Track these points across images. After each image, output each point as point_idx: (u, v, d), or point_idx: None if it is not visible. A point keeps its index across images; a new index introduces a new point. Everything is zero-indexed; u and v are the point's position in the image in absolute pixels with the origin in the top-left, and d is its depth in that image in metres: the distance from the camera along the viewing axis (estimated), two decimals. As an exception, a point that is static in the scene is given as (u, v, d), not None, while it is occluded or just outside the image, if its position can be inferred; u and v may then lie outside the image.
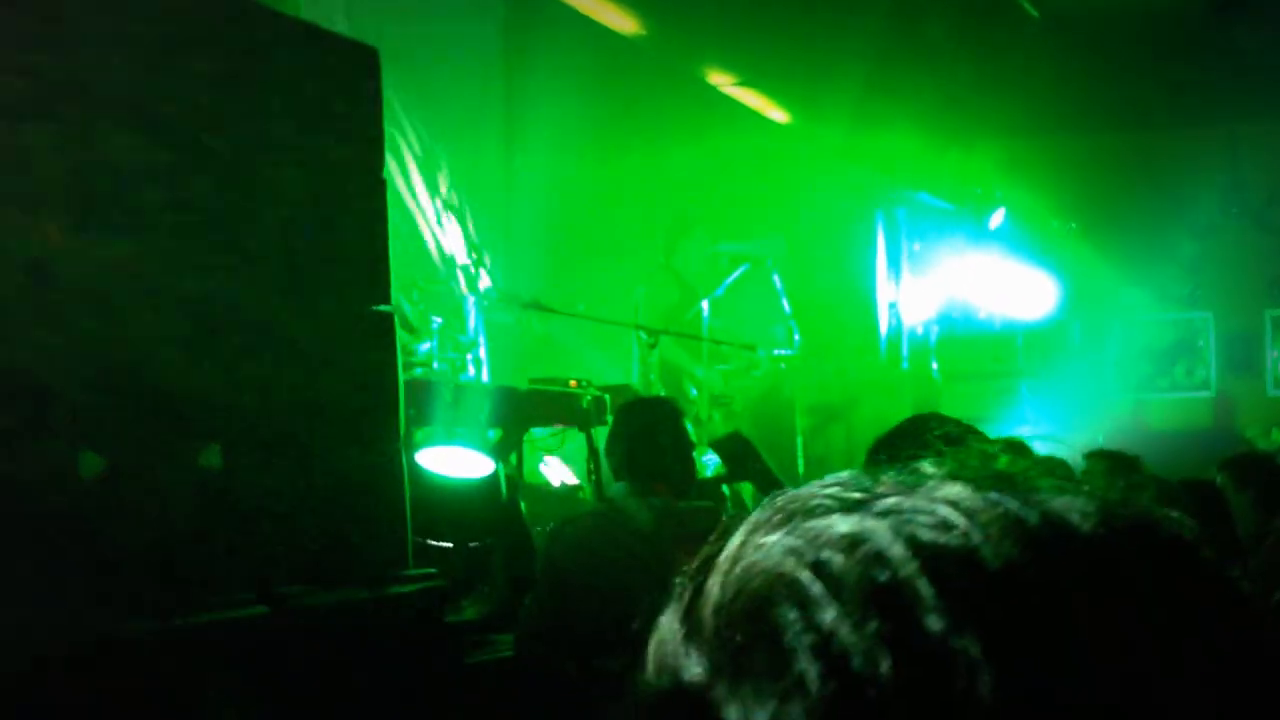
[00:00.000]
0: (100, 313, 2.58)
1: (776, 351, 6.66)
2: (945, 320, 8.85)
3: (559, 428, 5.58)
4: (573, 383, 5.18)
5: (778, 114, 8.10)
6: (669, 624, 0.51)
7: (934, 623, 0.44)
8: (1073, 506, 0.48)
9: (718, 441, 4.94)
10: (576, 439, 5.52)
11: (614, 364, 6.52)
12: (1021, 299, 9.41)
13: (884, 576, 0.45)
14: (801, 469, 6.63)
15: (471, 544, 4.11)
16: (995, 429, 5.82)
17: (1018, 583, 0.45)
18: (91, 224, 2.52)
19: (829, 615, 0.45)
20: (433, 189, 6.42)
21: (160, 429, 2.71)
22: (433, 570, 3.82)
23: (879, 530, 0.47)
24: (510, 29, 7.02)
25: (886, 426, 7.66)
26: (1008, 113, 8.26)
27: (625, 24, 7.02)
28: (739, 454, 4.84)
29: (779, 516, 0.50)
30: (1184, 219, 10.30)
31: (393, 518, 3.62)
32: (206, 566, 2.90)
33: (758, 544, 0.49)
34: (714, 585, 0.49)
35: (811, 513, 0.50)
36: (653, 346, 5.50)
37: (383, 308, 3.16)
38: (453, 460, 4.31)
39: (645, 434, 3.66)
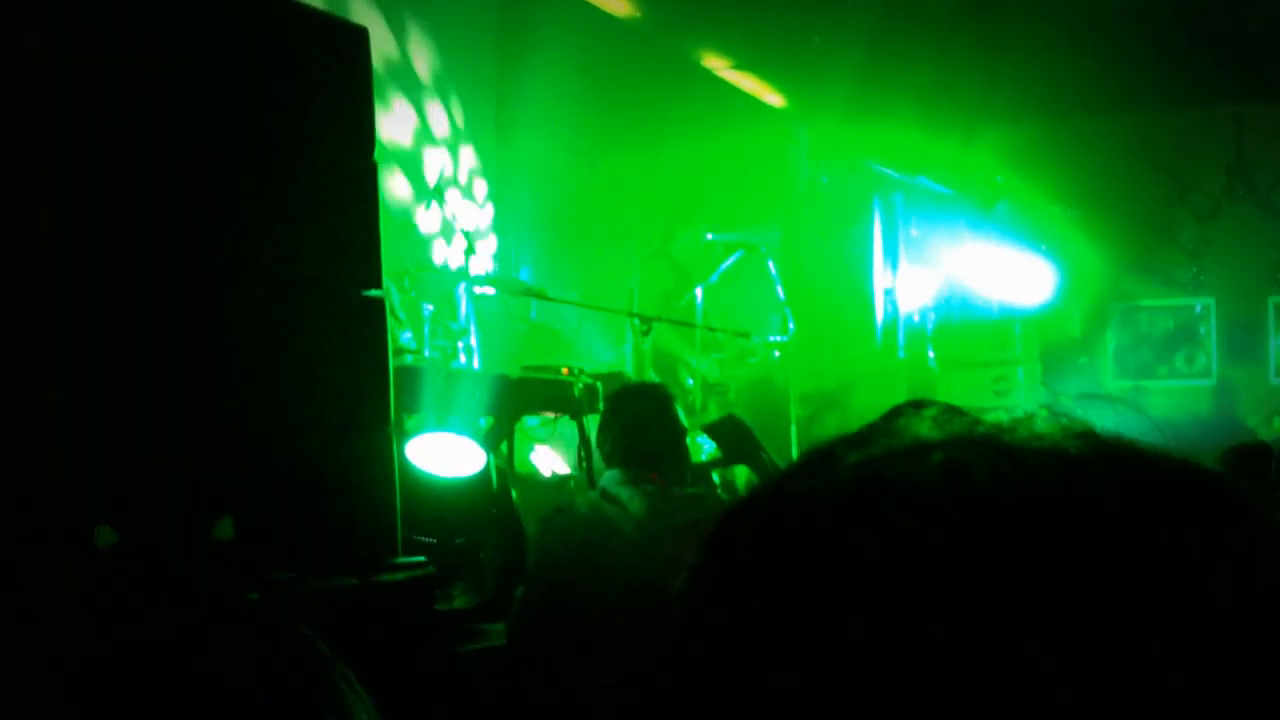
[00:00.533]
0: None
1: (771, 339, 6.68)
2: (942, 307, 8.86)
3: (550, 416, 5.60)
4: (565, 370, 5.20)
5: (774, 98, 8.11)
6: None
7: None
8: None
9: (711, 425, 4.94)
10: (568, 427, 5.55)
11: (607, 352, 6.55)
12: (1020, 286, 9.41)
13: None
14: (795, 457, 6.65)
15: (458, 540, 4.13)
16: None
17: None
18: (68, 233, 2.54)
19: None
20: (424, 174, 6.44)
21: (150, 420, 2.73)
22: (422, 559, 3.85)
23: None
24: (504, 10, 7.03)
25: (881, 413, 7.74)
26: (1008, 96, 8.26)
27: (619, 6, 7.02)
28: (733, 437, 4.85)
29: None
30: (1187, 203, 10.31)
31: (383, 505, 3.64)
32: (200, 554, 2.92)
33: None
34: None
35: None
36: (646, 334, 5.52)
37: (373, 293, 3.17)
38: (444, 449, 4.33)
39: (635, 420, 3.66)
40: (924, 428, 0.56)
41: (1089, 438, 0.52)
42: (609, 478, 3.68)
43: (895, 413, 0.66)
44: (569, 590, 3.58)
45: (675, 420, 3.79)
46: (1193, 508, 0.51)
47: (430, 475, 4.18)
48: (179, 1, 2.94)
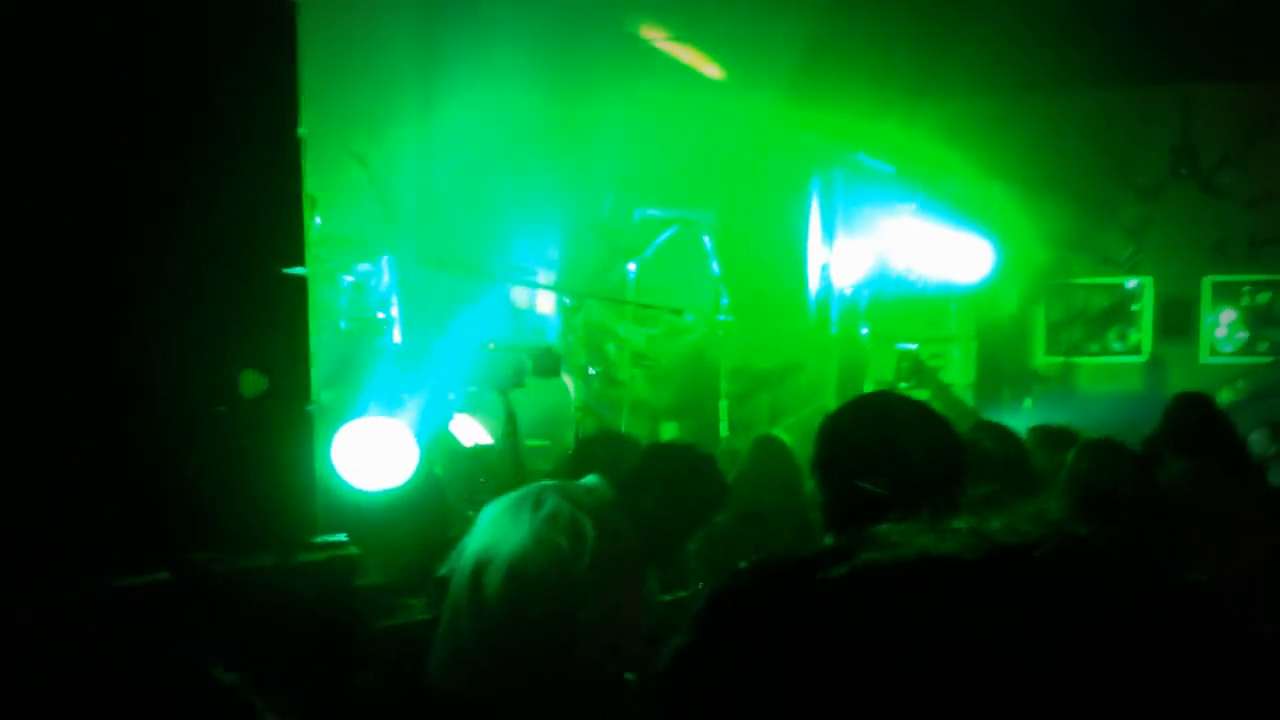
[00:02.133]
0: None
1: (706, 315, 6.80)
2: (877, 284, 9.03)
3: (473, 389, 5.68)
4: (491, 345, 5.29)
5: (712, 70, 8.18)
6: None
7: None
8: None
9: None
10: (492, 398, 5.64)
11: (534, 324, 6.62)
12: (957, 263, 9.59)
13: None
14: (724, 432, 6.79)
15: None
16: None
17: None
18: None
19: None
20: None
21: (80, 399, 2.80)
22: (343, 537, 3.94)
23: None
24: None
25: (813, 390, 7.79)
26: (951, 71, 8.36)
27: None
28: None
29: None
30: (1130, 182, 10.55)
31: (301, 481, 3.72)
32: (113, 533, 2.99)
33: None
34: None
35: None
36: (576, 310, 5.62)
37: (295, 270, 3.25)
38: (376, 438, 4.39)
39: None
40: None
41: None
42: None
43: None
44: None
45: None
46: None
47: (361, 492, 4.25)
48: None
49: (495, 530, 3.58)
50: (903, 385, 7.15)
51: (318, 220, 4.97)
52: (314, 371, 3.65)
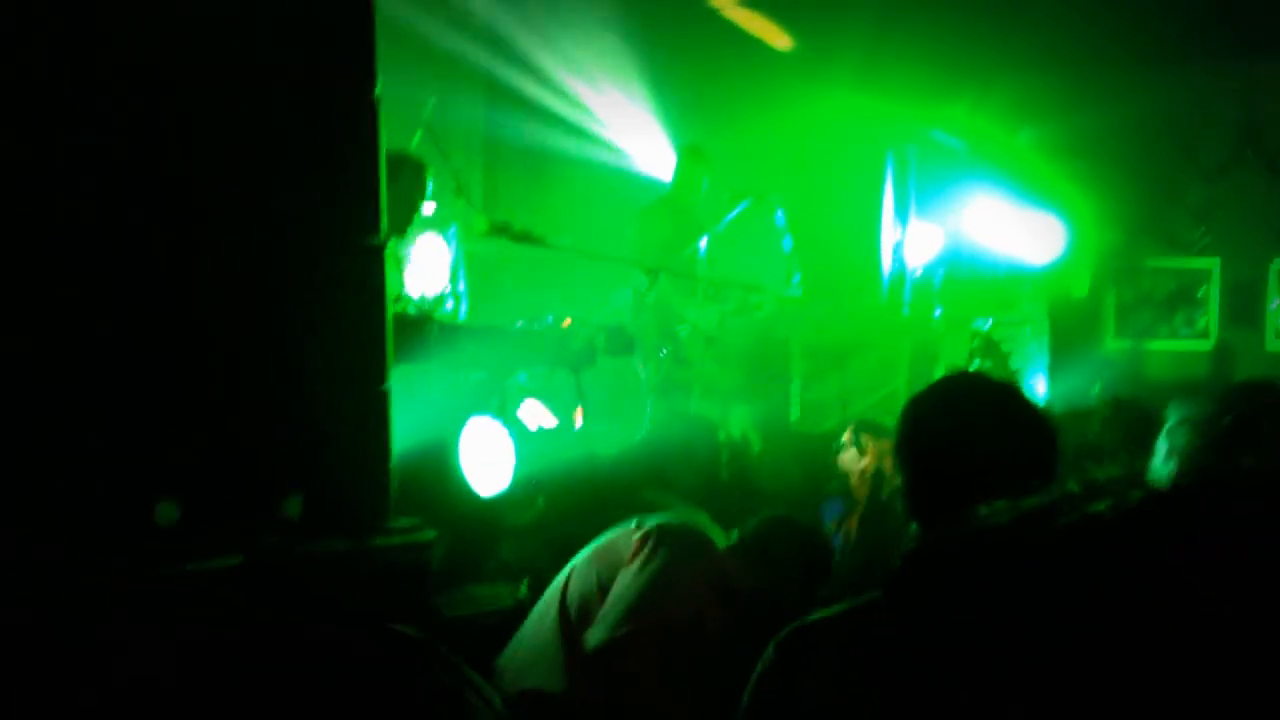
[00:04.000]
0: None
1: (778, 292, 6.53)
2: (950, 263, 8.77)
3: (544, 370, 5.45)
4: (566, 322, 5.03)
5: (782, 41, 7.90)
6: None
7: None
8: None
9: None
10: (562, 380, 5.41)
11: (601, 301, 6.38)
12: (1029, 243, 9.34)
13: None
14: (795, 413, 6.54)
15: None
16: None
17: None
18: (60, 156, 2.36)
19: None
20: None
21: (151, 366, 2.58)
22: (417, 521, 3.72)
23: None
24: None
25: (884, 372, 7.55)
26: (1022, 47, 8.10)
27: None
28: None
29: None
30: (1195, 162, 10.21)
31: (377, 464, 3.50)
32: (186, 515, 2.78)
33: None
34: None
35: None
36: (652, 285, 5.34)
37: (374, 240, 3.00)
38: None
39: None
40: None
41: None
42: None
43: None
44: None
45: None
46: None
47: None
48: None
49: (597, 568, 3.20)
50: (975, 365, 6.87)
51: (430, 187, 4.73)
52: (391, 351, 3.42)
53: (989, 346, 6.76)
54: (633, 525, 3.16)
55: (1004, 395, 2.38)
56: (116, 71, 2.49)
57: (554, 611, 3.14)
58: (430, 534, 3.79)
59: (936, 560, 1.50)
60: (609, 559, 3.14)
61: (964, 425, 2.31)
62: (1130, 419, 3.90)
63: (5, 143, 2.39)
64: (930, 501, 2.31)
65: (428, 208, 5.30)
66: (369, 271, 3.16)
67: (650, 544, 3.03)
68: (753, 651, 1.74)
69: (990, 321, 7.45)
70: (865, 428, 4.50)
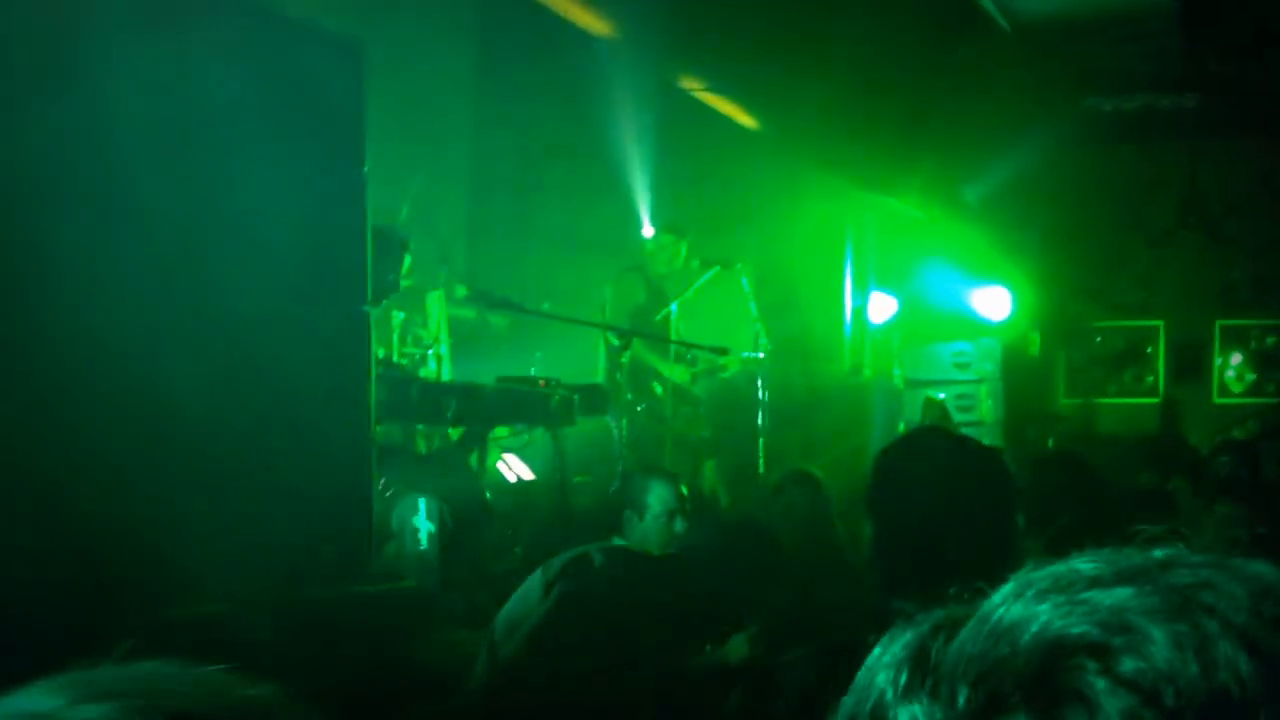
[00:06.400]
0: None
1: (744, 354, 6.66)
2: (907, 326, 8.92)
3: (523, 427, 5.53)
4: (542, 382, 5.12)
5: (747, 120, 8.10)
6: (887, 678, 0.53)
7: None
8: None
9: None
10: (541, 438, 5.49)
11: (576, 363, 6.47)
12: (983, 307, 9.49)
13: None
14: (762, 468, 6.63)
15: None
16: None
17: None
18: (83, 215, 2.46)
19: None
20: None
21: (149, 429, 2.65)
22: (398, 572, 3.78)
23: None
24: (484, 29, 6.96)
25: (847, 430, 7.62)
26: (976, 123, 8.30)
27: (598, 26, 6.97)
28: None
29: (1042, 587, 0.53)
30: (1141, 230, 10.47)
31: (360, 515, 3.57)
32: (177, 563, 2.84)
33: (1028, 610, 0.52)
34: (964, 645, 0.51)
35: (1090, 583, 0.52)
36: (625, 348, 5.45)
37: (363, 307, 3.10)
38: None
39: None
40: None
41: None
42: None
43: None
44: None
45: None
46: None
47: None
48: (175, 13, 2.87)
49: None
50: None
51: (407, 260, 4.83)
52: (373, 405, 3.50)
53: (943, 414, 6.88)
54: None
55: (967, 445, 2.37)
56: (128, 149, 2.60)
57: None
58: (409, 583, 3.85)
59: None
60: None
61: (931, 471, 2.24)
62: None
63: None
64: (908, 572, 2.16)
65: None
66: (358, 335, 3.26)
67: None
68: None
69: (942, 394, 7.55)
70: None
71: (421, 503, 3.87)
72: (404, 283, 5.38)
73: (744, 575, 3.94)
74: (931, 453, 2.32)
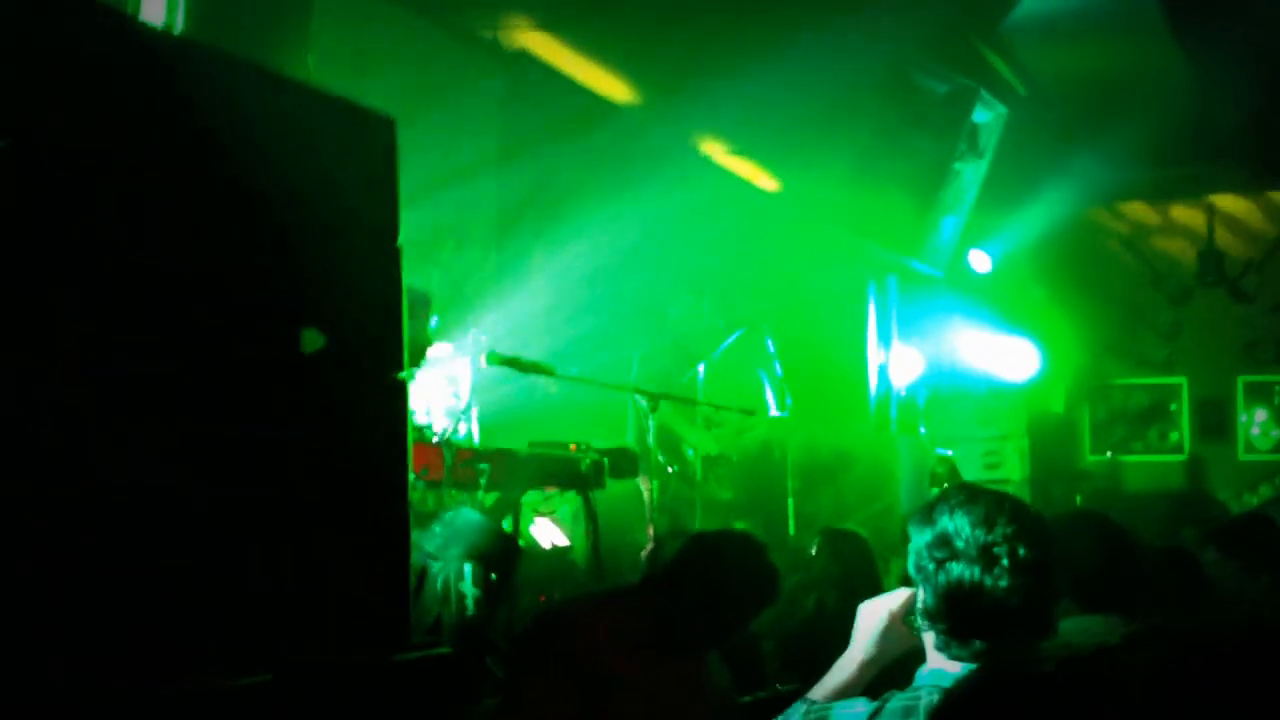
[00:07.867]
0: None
1: (771, 415, 6.65)
2: (933, 384, 8.89)
3: (553, 490, 5.51)
4: (573, 446, 5.12)
5: (768, 182, 8.15)
6: None
7: None
8: None
9: None
10: (573, 501, 5.47)
11: (605, 427, 6.46)
12: (1007, 364, 9.47)
13: None
14: (792, 529, 6.58)
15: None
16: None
17: None
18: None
19: None
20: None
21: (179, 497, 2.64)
22: (436, 639, 3.74)
23: None
24: (509, 97, 7.04)
25: (875, 487, 7.58)
26: (997, 183, 8.33)
27: (622, 93, 7.05)
28: None
29: None
30: (1161, 288, 10.45)
31: (397, 585, 3.54)
32: (214, 632, 2.82)
33: None
34: None
35: None
36: (653, 411, 5.45)
37: (399, 374, 3.10)
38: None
39: None
40: None
41: None
42: None
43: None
44: None
45: None
46: None
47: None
48: (208, 88, 2.90)
49: None
50: (934, 490, 6.94)
51: (434, 320, 4.85)
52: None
53: (952, 472, 6.83)
54: None
55: (1008, 501, 2.32)
56: (177, 230, 2.63)
57: None
58: (445, 649, 3.81)
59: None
60: None
61: (979, 522, 2.24)
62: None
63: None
64: (963, 625, 2.21)
65: (440, 345, 5.43)
66: (394, 402, 3.26)
67: None
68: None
69: (950, 452, 7.49)
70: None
71: (468, 569, 3.85)
72: (432, 338, 5.41)
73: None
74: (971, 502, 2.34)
